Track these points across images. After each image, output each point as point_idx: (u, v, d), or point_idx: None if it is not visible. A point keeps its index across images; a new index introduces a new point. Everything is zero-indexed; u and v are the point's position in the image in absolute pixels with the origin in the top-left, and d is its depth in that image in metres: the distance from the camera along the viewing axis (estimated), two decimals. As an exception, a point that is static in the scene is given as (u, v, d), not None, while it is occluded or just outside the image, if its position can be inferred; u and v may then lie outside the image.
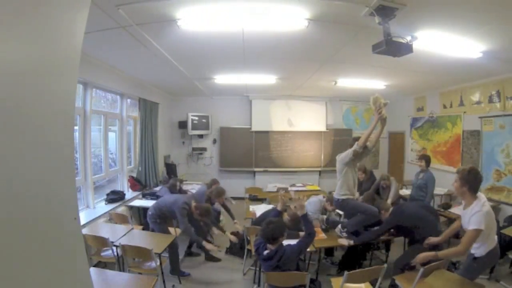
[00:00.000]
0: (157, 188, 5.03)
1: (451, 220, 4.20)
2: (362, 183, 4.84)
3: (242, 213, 4.51)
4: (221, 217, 5.10)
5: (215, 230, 3.85)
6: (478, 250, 2.23)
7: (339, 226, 3.30)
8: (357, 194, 3.43)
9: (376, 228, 3.17)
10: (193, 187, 5.37)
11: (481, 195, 2.23)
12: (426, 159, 4.34)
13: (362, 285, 2.57)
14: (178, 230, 3.75)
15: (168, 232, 3.50)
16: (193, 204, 3.49)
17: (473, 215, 2.12)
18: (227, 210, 4.41)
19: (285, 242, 2.48)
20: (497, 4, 2.13)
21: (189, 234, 3.43)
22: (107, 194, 4.38)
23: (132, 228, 3.40)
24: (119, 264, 2.97)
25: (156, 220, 3.46)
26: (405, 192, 5.21)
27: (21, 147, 0.80)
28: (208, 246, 3.45)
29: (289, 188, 5.71)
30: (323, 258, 3.84)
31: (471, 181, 2.18)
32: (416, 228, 2.95)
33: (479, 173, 2.23)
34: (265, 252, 2.38)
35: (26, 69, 0.82)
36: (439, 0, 2.11)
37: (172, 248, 3.31)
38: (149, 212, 3.54)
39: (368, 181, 4.92)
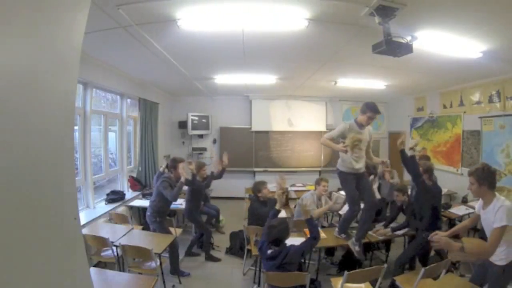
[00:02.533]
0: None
1: (451, 220, 4.20)
2: None
3: (242, 213, 4.51)
4: (221, 217, 5.12)
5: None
6: (504, 257, 2.05)
7: (352, 240, 3.17)
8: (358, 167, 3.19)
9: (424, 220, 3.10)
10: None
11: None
12: (429, 169, 4.38)
13: (362, 285, 2.57)
14: (179, 230, 3.75)
15: (168, 230, 3.50)
16: (188, 164, 3.59)
17: (497, 211, 2.01)
18: (214, 176, 4.37)
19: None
20: (497, 4, 2.13)
21: (177, 191, 3.35)
22: (107, 194, 4.38)
23: (132, 228, 3.40)
24: (119, 264, 2.97)
25: (155, 219, 3.45)
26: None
27: (21, 147, 0.80)
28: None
29: (289, 188, 5.71)
30: (323, 258, 3.84)
31: (488, 178, 2.10)
32: (433, 208, 2.93)
33: (491, 167, 2.14)
34: (269, 251, 2.38)
35: (26, 69, 0.82)
36: (439, 0, 2.11)
37: (172, 248, 3.31)
38: (147, 213, 3.54)
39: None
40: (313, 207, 3.59)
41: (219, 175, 4.42)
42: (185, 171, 3.52)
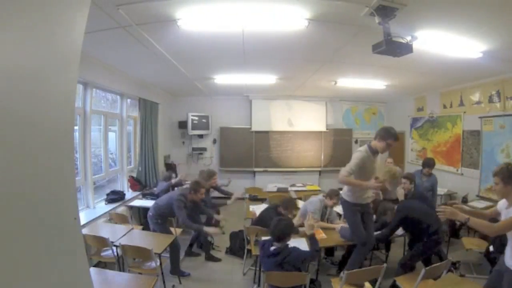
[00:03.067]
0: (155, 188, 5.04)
1: (451, 220, 4.19)
2: None
3: (242, 213, 4.51)
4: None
5: (217, 216, 3.95)
6: None
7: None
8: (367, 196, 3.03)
9: (384, 229, 3.14)
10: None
11: None
12: (430, 163, 4.40)
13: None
14: (179, 230, 3.75)
15: (170, 231, 3.50)
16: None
17: None
18: (221, 191, 4.39)
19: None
20: (497, 4, 2.13)
21: (189, 225, 3.41)
22: (107, 194, 4.38)
23: (132, 228, 3.40)
24: (119, 264, 2.97)
25: (157, 220, 3.46)
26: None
27: (21, 147, 0.80)
28: (210, 230, 3.47)
29: (289, 188, 5.71)
30: (323, 258, 3.84)
31: None
32: (426, 219, 2.89)
33: None
34: (272, 248, 2.41)
35: (26, 69, 0.82)
36: (439, 0, 2.11)
37: (173, 248, 3.31)
38: (149, 213, 3.54)
39: None
40: (318, 215, 3.49)
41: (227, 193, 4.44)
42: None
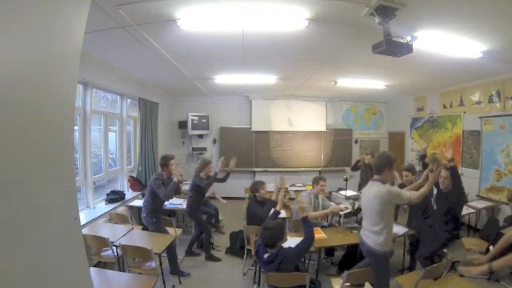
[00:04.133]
0: None
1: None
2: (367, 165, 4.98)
3: (242, 213, 4.51)
4: (221, 217, 5.12)
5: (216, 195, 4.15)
6: None
7: None
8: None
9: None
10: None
11: None
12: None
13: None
14: (178, 231, 3.75)
15: (165, 231, 3.50)
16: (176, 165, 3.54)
17: None
18: (218, 180, 4.29)
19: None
20: (498, 4, 2.13)
21: (169, 193, 3.35)
22: (107, 194, 4.38)
23: (132, 228, 3.40)
24: (119, 264, 2.97)
25: (152, 219, 3.45)
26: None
27: (21, 147, 0.80)
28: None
29: (289, 188, 5.71)
30: (323, 258, 3.83)
31: None
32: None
33: None
34: (265, 255, 2.32)
35: (26, 69, 0.82)
36: (439, 0, 2.11)
37: (170, 248, 3.29)
38: (143, 215, 3.54)
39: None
40: (309, 207, 3.50)
41: (223, 179, 4.37)
42: (177, 172, 3.47)
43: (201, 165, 4.17)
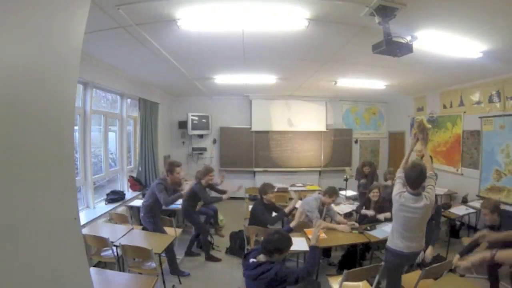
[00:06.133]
0: None
1: (451, 219, 4.19)
2: (367, 175, 5.25)
3: (242, 213, 4.51)
4: (221, 217, 5.11)
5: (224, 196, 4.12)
6: None
7: None
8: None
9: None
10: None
11: None
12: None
13: (360, 283, 2.58)
14: (178, 231, 3.75)
15: (163, 231, 3.50)
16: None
17: None
18: (216, 190, 4.32)
19: None
20: (497, 4, 2.13)
21: (170, 201, 3.39)
22: (107, 194, 4.38)
23: (132, 228, 3.40)
24: (119, 264, 2.97)
25: (150, 219, 3.46)
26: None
27: (21, 147, 0.80)
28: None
29: (289, 188, 5.70)
30: (321, 259, 3.82)
31: None
32: None
33: None
34: (251, 260, 2.11)
35: (26, 69, 0.82)
36: (439, 0, 2.11)
37: (167, 249, 3.28)
38: (141, 215, 3.55)
39: (370, 174, 5.27)
40: (316, 213, 3.42)
41: (213, 201, 4.31)
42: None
43: (203, 171, 4.15)
